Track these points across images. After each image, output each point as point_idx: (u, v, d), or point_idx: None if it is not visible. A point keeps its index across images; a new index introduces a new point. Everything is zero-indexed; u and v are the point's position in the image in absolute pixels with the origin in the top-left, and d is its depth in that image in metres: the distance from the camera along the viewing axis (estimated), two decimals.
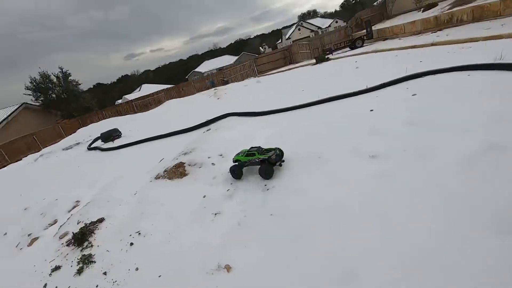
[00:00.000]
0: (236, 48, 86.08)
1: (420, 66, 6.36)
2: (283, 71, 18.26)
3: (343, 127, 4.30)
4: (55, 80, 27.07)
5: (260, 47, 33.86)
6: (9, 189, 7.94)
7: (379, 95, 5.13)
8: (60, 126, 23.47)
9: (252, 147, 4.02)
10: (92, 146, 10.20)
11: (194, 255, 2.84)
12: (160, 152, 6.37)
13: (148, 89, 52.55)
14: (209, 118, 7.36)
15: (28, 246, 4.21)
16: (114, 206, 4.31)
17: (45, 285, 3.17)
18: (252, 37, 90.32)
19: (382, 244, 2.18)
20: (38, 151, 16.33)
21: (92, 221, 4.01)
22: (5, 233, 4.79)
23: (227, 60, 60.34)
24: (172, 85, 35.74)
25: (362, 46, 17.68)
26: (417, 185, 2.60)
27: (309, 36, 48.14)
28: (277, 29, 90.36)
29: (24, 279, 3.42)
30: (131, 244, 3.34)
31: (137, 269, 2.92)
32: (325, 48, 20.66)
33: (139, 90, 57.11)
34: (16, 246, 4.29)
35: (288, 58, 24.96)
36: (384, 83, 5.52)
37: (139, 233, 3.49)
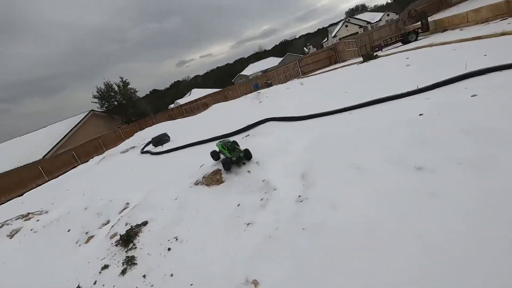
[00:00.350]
0: (280, 49, 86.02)
1: (484, 61, 5.59)
2: (327, 71, 17.68)
3: (387, 133, 3.95)
4: (116, 88, 30.04)
5: (304, 47, 33.09)
6: (76, 189, 8.99)
7: (431, 97, 4.61)
8: (120, 130, 25.98)
9: (230, 141, 4.96)
10: (144, 150, 11.05)
11: (224, 266, 2.85)
12: (202, 157, 6.60)
13: (197, 93, 55.54)
14: (249, 123, 7.43)
15: (85, 243, 4.70)
16: (157, 210, 4.57)
17: (95, 282, 3.49)
18: (297, 37, 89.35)
19: (422, 276, 1.92)
20: (102, 153, 18.29)
21: (137, 224, 4.31)
22: (69, 230, 5.40)
23: (272, 62, 60.68)
24: (219, 89, 37.25)
25: (416, 40, 16.26)
26: (471, 207, 2.25)
27: (357, 33, 45.94)
28: (323, 28, 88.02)
29: (80, 274, 3.81)
30: (169, 249, 3.50)
31: (172, 275, 3.04)
32: (374, 45, 19.45)
33: (189, 95, 60.57)
34: (76, 243, 4.82)
35: (333, 57, 24.11)
36: (437, 83, 4.96)
37: (176, 239, 3.64)
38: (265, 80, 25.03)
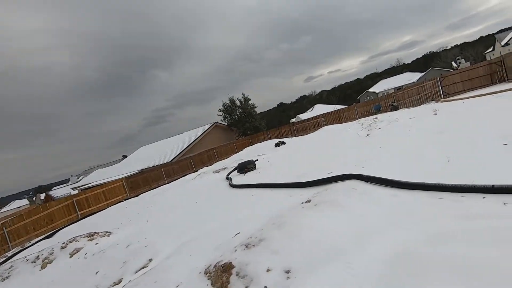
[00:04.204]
0: (423, 63, 73.53)
1: None
2: (483, 94, 12.57)
3: None
4: (238, 104, 32.44)
5: (452, 62, 25.71)
6: (156, 207, 9.20)
7: None
8: (234, 144, 27.62)
9: None
10: (228, 176, 10.47)
11: None
12: (254, 208, 5.11)
13: (319, 109, 54.36)
14: (332, 173, 5.38)
15: None
16: None
17: None
18: (447, 48, 73.57)
19: None
20: (213, 164, 19.48)
21: None
22: (97, 272, 4.97)
23: (408, 78, 52.29)
24: (341, 107, 34.67)
25: None
26: None
27: None
28: (488, 35, 69.44)
29: None
30: None
31: None
32: None
33: (311, 110, 59.85)
34: None
35: (498, 75, 17.49)
36: None
37: None
38: (391, 102, 20.91)
